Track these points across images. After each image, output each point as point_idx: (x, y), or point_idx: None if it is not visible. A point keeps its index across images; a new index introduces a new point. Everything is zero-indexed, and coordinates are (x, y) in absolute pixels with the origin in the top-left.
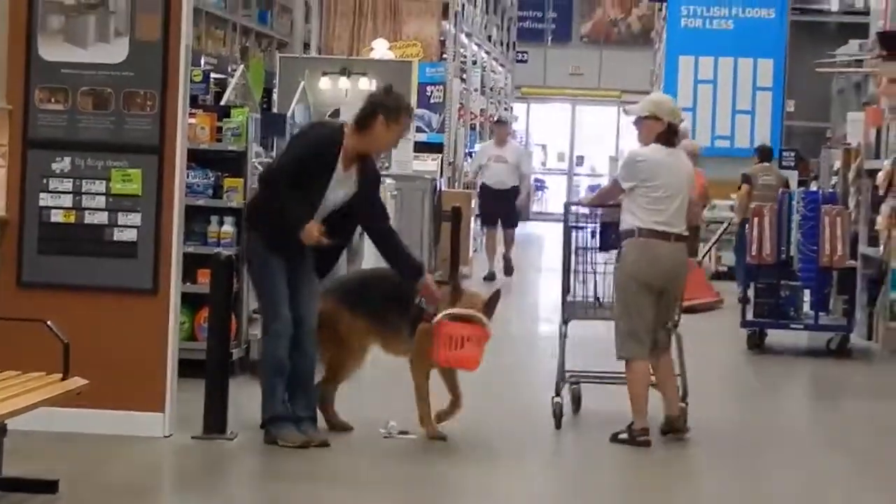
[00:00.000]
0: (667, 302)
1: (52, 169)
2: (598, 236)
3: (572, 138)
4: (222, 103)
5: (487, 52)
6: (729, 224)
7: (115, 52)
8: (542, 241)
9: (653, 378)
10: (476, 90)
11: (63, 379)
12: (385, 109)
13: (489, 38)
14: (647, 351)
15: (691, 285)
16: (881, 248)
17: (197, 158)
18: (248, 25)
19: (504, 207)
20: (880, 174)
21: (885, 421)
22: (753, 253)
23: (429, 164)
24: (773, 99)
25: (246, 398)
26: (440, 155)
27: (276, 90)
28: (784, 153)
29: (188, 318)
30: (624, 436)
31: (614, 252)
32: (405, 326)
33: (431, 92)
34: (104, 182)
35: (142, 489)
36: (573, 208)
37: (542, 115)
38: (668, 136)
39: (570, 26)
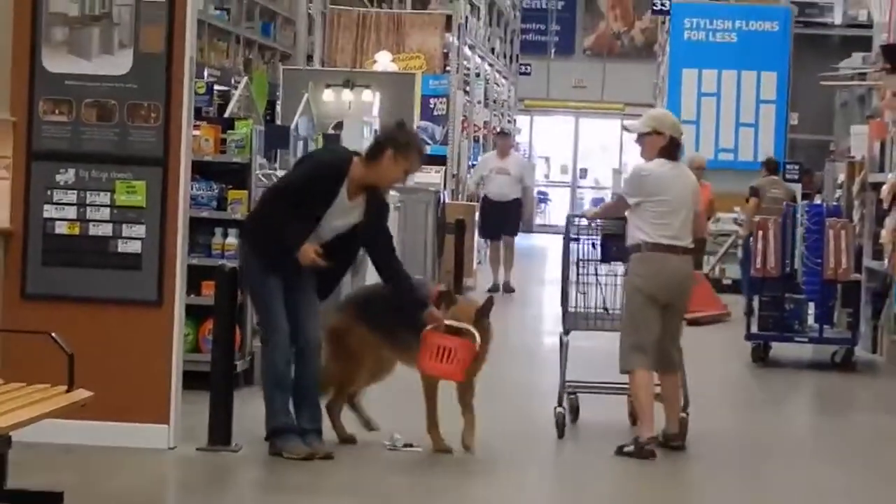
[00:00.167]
0: (675, 316)
1: (57, 181)
2: (599, 248)
3: (575, 151)
4: (226, 115)
5: (491, 65)
6: (736, 237)
7: (120, 63)
8: (546, 253)
9: (657, 388)
10: (479, 102)
11: (68, 391)
12: (395, 144)
13: (492, 50)
14: (651, 362)
15: (697, 298)
16: (885, 261)
17: (201, 170)
18: (251, 37)
19: (505, 220)
20: (884, 187)
21: (889, 434)
22: (758, 266)
23: (432, 176)
24: (777, 112)
25: (250, 410)
26: (443, 167)
27: (279, 102)
28: (788, 166)
29: (192, 330)
30: (630, 448)
31: (616, 263)
32: (415, 340)
33: (435, 104)
34: (108, 194)
35: (146, 501)
36: (574, 220)
37: (545, 127)
38: (671, 149)
39: (574, 39)
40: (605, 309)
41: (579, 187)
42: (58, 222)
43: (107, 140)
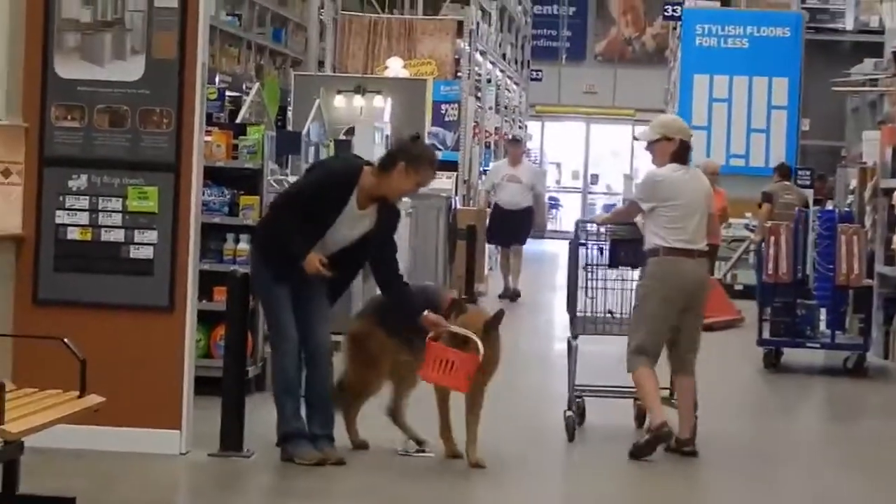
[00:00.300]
0: (693, 319)
1: (69, 186)
2: (607, 253)
3: (587, 157)
4: (238, 121)
5: (502, 71)
6: (749, 243)
7: (132, 69)
8: (556, 259)
9: (665, 391)
10: (491, 108)
11: (80, 396)
12: (407, 157)
13: (504, 56)
14: (653, 361)
15: (711, 303)
16: None
17: (213, 176)
18: (262, 43)
19: (515, 228)
20: None
21: None
22: (770, 271)
23: (444, 182)
24: (789, 118)
25: (262, 415)
26: (455, 173)
27: (290, 108)
28: (800, 172)
29: (204, 336)
30: (646, 438)
31: (625, 268)
32: None
33: (446, 110)
34: (120, 199)
35: None
36: (585, 226)
37: (556, 133)
38: (682, 153)
39: (585, 45)
40: (611, 313)
41: (590, 193)
42: (70, 228)
43: (119, 146)
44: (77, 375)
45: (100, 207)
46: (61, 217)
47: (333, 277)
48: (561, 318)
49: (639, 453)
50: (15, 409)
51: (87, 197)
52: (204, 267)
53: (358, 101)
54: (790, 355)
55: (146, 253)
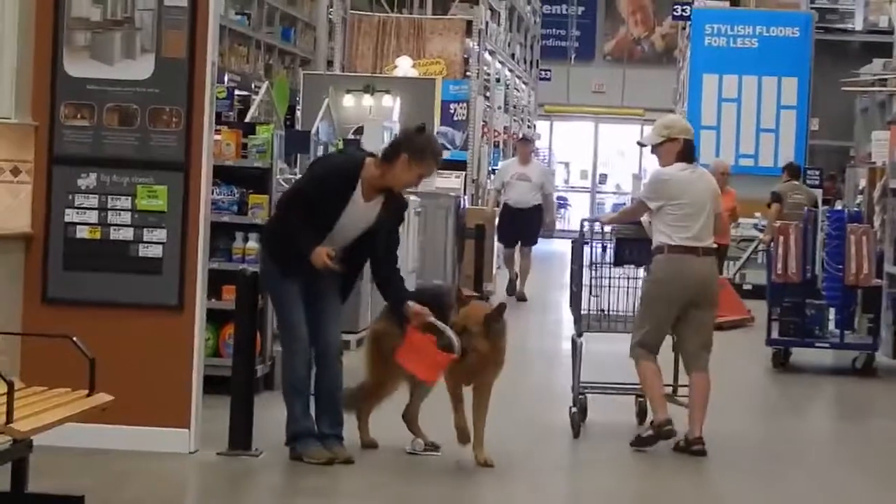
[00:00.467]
0: (703, 315)
1: (78, 185)
2: (612, 251)
3: (595, 156)
4: (247, 120)
5: (511, 70)
6: (758, 243)
7: (141, 68)
8: (565, 258)
9: (676, 395)
10: (499, 108)
11: (89, 395)
12: (410, 148)
13: (512, 55)
14: (654, 356)
15: (720, 303)
16: None
17: (222, 175)
18: (271, 43)
19: (524, 227)
20: None
21: None
22: (779, 271)
23: (452, 181)
24: (798, 117)
25: (271, 414)
26: (464, 172)
27: (299, 107)
28: (809, 171)
29: (213, 335)
30: (648, 433)
31: (629, 266)
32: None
33: (455, 109)
34: (130, 198)
35: None
36: (588, 224)
37: (565, 132)
38: (687, 152)
39: (594, 44)
40: (602, 310)
41: (599, 192)
42: (79, 227)
43: (128, 144)
44: (86, 374)
45: (109, 206)
46: (70, 216)
47: (343, 272)
48: (566, 316)
49: (639, 443)
50: (24, 408)
51: (97, 196)
52: (213, 266)
53: (367, 100)
54: (799, 355)
55: (155, 252)
